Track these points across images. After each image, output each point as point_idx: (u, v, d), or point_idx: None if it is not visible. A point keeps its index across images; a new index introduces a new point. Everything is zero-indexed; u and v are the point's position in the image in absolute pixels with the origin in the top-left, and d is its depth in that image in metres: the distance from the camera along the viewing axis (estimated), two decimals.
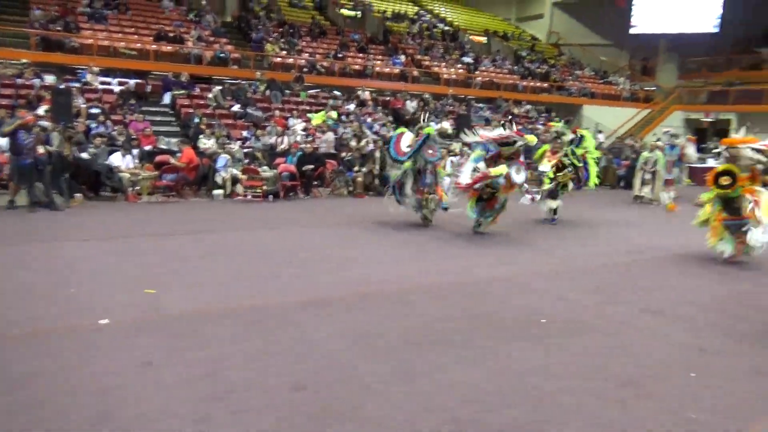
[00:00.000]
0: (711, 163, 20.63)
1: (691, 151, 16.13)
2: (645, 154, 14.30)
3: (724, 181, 7.19)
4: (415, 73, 21.49)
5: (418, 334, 4.56)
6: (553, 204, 10.47)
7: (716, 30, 25.24)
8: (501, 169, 8.29)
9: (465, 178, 8.37)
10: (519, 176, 8.42)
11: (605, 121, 23.52)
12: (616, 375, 3.94)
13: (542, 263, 7.26)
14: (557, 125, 11.62)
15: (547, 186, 10.40)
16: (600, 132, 21.65)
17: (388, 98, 19.47)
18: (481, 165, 8.48)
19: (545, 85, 24.23)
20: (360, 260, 6.98)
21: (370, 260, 7.00)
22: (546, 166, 10.31)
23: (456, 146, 15.22)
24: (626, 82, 27.10)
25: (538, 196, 9.75)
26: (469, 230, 9.17)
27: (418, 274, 6.44)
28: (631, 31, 27.10)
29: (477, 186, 8.39)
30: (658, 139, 17.41)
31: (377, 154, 13.66)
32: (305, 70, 18.94)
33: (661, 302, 5.71)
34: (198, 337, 4.31)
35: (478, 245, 8.14)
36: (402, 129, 10.19)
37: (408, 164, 9.15)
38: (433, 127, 9.49)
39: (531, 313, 5.18)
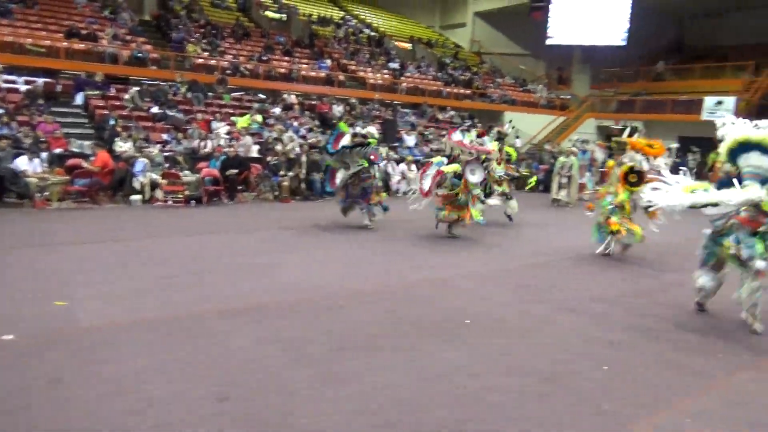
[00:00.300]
0: None
1: (600, 156, 17.17)
2: (561, 159, 15.00)
3: (632, 178, 7.77)
4: (341, 77, 21.51)
5: (346, 339, 4.57)
6: (513, 204, 10.99)
7: (624, 43, 26.89)
8: (454, 167, 8.65)
9: (426, 184, 8.63)
10: (474, 176, 8.66)
11: (525, 127, 24.48)
12: (535, 371, 4.11)
13: (467, 265, 7.46)
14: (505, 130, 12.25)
15: (502, 189, 10.82)
16: (517, 137, 22.59)
17: (314, 102, 19.36)
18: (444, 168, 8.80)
19: (468, 91, 24.93)
20: (287, 266, 6.90)
21: (297, 266, 6.93)
22: (501, 170, 10.61)
23: (383, 151, 15.36)
24: (543, 91, 28.37)
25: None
26: (396, 234, 9.28)
27: (347, 279, 6.44)
28: (548, 42, 28.36)
29: (438, 190, 8.75)
30: (573, 145, 18.42)
31: (304, 158, 13.56)
32: (228, 72, 18.51)
33: (576, 300, 6.02)
34: (113, 351, 4.12)
35: (405, 249, 8.25)
36: (345, 128, 10.28)
37: (330, 161, 9.54)
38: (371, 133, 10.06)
39: (456, 315, 5.31)
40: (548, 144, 22.78)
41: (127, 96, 15.15)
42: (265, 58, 20.07)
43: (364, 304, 5.54)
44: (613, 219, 8.02)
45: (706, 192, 4.99)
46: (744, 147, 5.23)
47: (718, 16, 29.37)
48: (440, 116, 22.41)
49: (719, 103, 22.56)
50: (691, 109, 23.64)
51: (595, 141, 18.58)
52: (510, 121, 17.66)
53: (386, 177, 14.84)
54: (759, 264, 4.98)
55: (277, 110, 17.36)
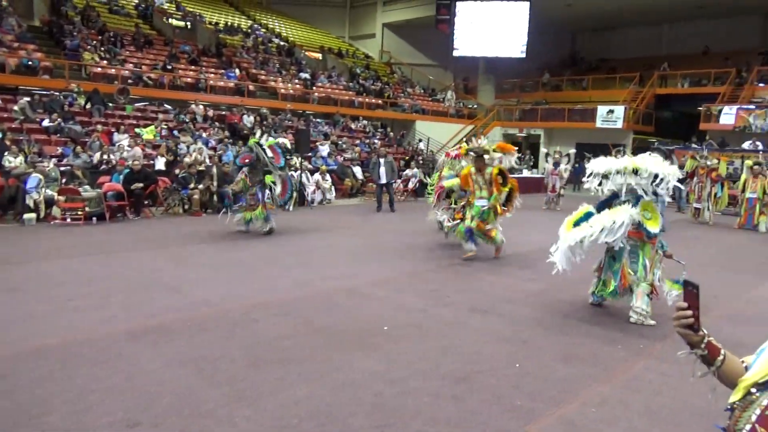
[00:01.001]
0: (525, 173, 23.18)
1: (512, 163, 17.96)
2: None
3: (499, 179, 8.37)
4: (251, 87, 21.14)
5: (261, 353, 4.46)
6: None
7: (523, 56, 28.38)
8: (453, 181, 9.19)
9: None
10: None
11: (436, 135, 25.18)
12: (451, 373, 4.21)
13: (380, 272, 7.52)
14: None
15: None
16: (420, 141, 23.31)
17: (224, 113, 18.89)
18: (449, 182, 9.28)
19: (380, 101, 25.29)
20: (198, 282, 6.65)
21: (208, 281, 6.70)
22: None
23: (296, 161, 15.23)
24: (452, 100, 29.31)
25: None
26: (309, 244, 9.22)
27: (261, 292, 6.30)
28: (454, 53, 29.39)
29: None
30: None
31: (214, 170, 13.17)
32: (130, 81, 17.67)
33: (486, 301, 6.23)
34: (6, 383, 3.78)
35: (318, 259, 8.20)
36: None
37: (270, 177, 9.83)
38: (274, 140, 10.15)
39: (373, 322, 5.33)
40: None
41: (16, 107, 14.07)
42: (169, 67, 19.34)
43: (279, 316, 5.45)
44: (489, 226, 8.42)
45: (587, 223, 5.57)
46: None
47: (607, 31, 31.71)
48: (353, 126, 22.57)
49: (611, 111, 24.32)
50: (586, 118, 25.32)
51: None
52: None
53: (301, 187, 14.71)
54: (643, 287, 5.64)
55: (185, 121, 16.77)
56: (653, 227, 5.61)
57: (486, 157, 8.46)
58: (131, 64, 18.66)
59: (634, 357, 4.75)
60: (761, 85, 23.10)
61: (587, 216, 5.79)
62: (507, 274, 7.71)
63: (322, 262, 7.95)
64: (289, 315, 5.50)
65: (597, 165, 5.87)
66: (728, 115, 21.32)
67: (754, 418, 1.40)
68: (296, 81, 23.31)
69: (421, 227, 11.62)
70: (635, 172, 5.56)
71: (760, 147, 18.27)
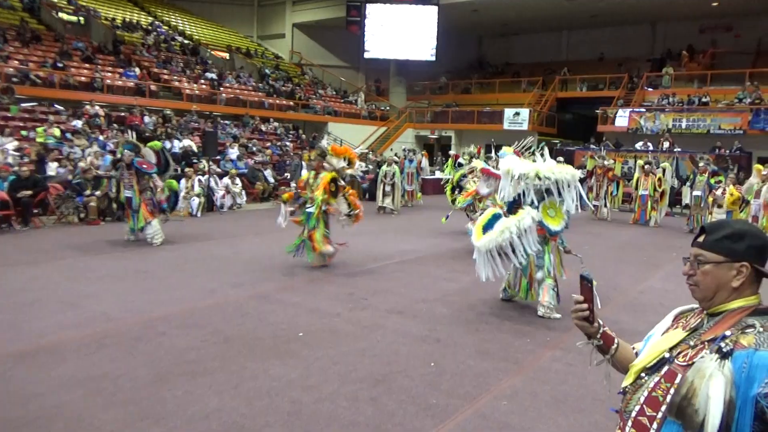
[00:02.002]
0: (438, 174, 23.76)
1: (426, 165, 18.40)
2: (384, 168, 15.71)
3: (332, 187, 7.94)
4: (153, 87, 20.22)
5: (168, 367, 4.26)
6: None
7: (433, 59, 29.09)
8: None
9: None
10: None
11: (348, 137, 25.20)
12: (368, 376, 4.22)
13: (293, 277, 7.43)
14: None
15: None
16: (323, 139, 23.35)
17: (123, 114, 17.92)
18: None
19: (291, 102, 25.00)
20: (96, 295, 6.25)
21: (108, 294, 6.31)
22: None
23: (204, 164, 14.73)
24: (363, 102, 29.52)
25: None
26: (216, 251, 8.95)
27: (166, 303, 6.03)
28: (365, 55, 29.61)
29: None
30: (396, 154, 19.41)
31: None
32: (15, 80, 16.35)
33: (402, 302, 6.32)
34: None
35: (228, 265, 7.97)
36: (157, 145, 9.64)
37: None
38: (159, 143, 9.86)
39: (287, 329, 5.25)
40: (371, 153, 23.72)
41: None
42: (60, 64, 18.10)
43: (187, 327, 5.23)
44: (316, 236, 7.82)
45: (497, 228, 5.75)
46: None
47: (511, 36, 33.17)
48: (263, 128, 22.15)
49: (516, 114, 25.48)
50: (494, 120, 26.36)
51: (420, 150, 19.76)
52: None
53: (209, 192, 14.25)
54: (538, 275, 6.03)
55: (78, 123, 15.75)
56: (554, 225, 5.93)
57: (333, 159, 7.94)
58: (16, 61, 17.28)
59: (541, 349, 4.99)
60: (650, 89, 25.04)
61: (495, 218, 6.00)
62: (424, 275, 7.86)
63: (232, 270, 7.73)
64: (197, 325, 5.30)
65: (506, 166, 6.07)
66: (622, 118, 22.96)
67: (642, 399, 1.52)
68: (202, 81, 22.56)
69: (338, 231, 11.59)
70: (538, 177, 5.84)
71: (651, 147, 19.81)
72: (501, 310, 6.17)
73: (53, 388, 3.87)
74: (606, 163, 15.63)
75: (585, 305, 1.69)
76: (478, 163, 10.19)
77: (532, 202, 5.92)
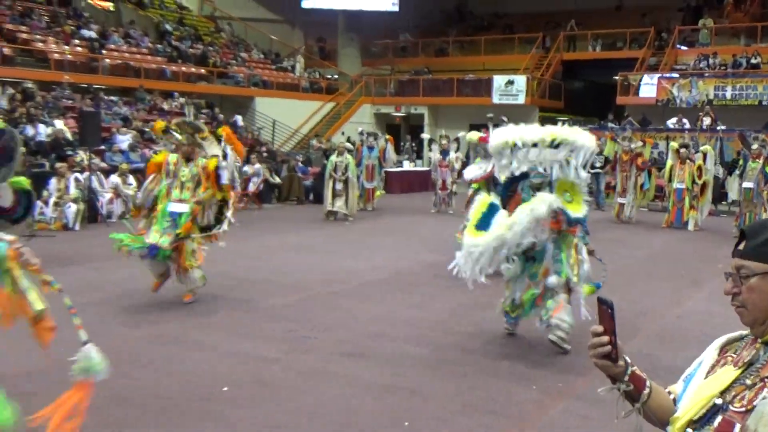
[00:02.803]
0: (407, 166, 23.91)
1: (392, 154, 18.41)
2: (332, 158, 15.63)
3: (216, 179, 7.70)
4: (7, 51, 19.76)
5: None
6: None
7: (395, 8, 29.25)
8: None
9: None
10: None
11: (284, 117, 25.14)
12: None
13: (209, 310, 7.34)
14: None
15: None
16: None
17: None
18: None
19: (203, 70, 24.77)
20: None
21: None
22: None
23: (82, 156, 14.46)
24: (302, 69, 29.42)
25: None
26: (99, 277, 8.80)
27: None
28: (304, 4, 29.63)
29: None
30: (349, 139, 19.33)
31: None
32: None
33: (359, 341, 6.34)
34: None
35: (112, 297, 7.84)
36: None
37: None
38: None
39: (207, 382, 5.20)
40: (316, 139, 23.71)
41: None
42: None
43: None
44: (188, 248, 7.49)
45: (499, 225, 5.79)
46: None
47: None
48: (165, 106, 21.89)
49: (510, 83, 25.81)
50: (480, 91, 26.58)
51: (384, 134, 19.64)
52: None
53: (91, 196, 13.97)
54: (550, 280, 5.93)
55: None
56: (576, 211, 5.94)
57: (206, 142, 7.75)
58: None
59: (549, 398, 5.08)
60: (684, 48, 25.65)
61: (491, 210, 6.00)
62: (379, 302, 7.89)
63: (122, 302, 7.57)
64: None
65: (502, 136, 6.07)
66: (648, 86, 23.44)
67: None
68: (76, 42, 22.15)
69: (271, 245, 11.54)
70: (554, 144, 5.86)
71: (687, 125, 20.22)
72: (493, 347, 6.25)
73: None
74: (633, 146, 15.63)
75: (606, 338, 1.67)
76: (473, 135, 10.29)
77: (550, 184, 5.94)
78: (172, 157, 7.66)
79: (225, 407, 4.77)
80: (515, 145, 5.94)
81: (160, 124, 8.19)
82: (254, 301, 7.80)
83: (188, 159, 7.62)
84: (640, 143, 16.13)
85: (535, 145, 5.88)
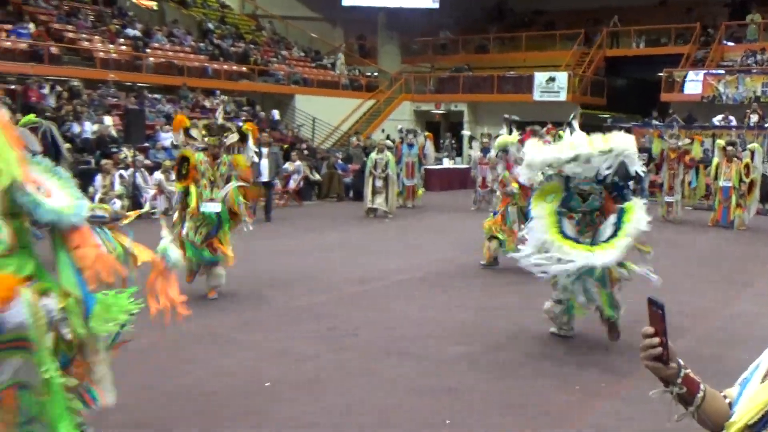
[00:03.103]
0: (446, 163, 23.85)
1: (432, 151, 18.38)
2: (372, 155, 15.67)
3: (184, 169, 7.67)
4: (54, 50, 20.16)
5: None
6: None
7: (436, 6, 29.17)
8: None
9: None
10: None
11: (324, 114, 25.23)
12: None
13: (252, 308, 7.41)
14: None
15: None
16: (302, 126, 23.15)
17: (13, 86, 17.85)
18: None
19: (244, 68, 24.98)
20: None
21: None
22: None
23: (126, 153, 14.70)
24: (343, 66, 29.46)
25: None
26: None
27: None
28: (344, 2, 29.68)
29: None
30: (389, 137, 19.32)
31: None
32: None
33: (400, 338, 6.33)
34: None
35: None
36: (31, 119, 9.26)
37: None
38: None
39: (249, 378, 5.24)
40: (356, 137, 23.75)
41: None
42: None
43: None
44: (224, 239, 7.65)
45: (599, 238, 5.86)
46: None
47: None
48: (207, 103, 22.13)
49: (551, 80, 25.56)
50: (521, 88, 26.41)
51: (424, 132, 19.49)
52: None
53: (135, 192, 14.20)
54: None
55: None
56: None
57: (233, 139, 7.82)
58: None
59: (593, 399, 5.01)
60: (730, 44, 25.18)
61: (560, 218, 5.94)
62: (420, 300, 7.88)
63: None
64: (127, 376, 5.28)
65: (538, 156, 6.02)
66: (694, 83, 23.09)
67: None
68: (121, 41, 22.52)
69: (311, 242, 11.60)
70: (589, 160, 5.77)
71: (733, 122, 19.87)
72: (535, 347, 6.19)
73: None
74: (680, 144, 15.44)
75: (657, 339, 1.66)
76: (508, 139, 10.10)
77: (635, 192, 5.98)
78: (200, 156, 7.60)
79: (266, 404, 4.81)
80: (551, 165, 5.93)
81: (182, 120, 8.05)
82: (295, 299, 7.85)
83: (215, 158, 7.66)
84: (687, 140, 15.91)
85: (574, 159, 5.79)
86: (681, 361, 1.70)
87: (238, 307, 7.45)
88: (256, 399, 4.88)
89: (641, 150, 17.66)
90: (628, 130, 19.95)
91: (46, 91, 17.60)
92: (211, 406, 4.74)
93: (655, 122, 20.46)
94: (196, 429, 4.37)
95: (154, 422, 4.46)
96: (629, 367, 5.57)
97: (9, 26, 20.01)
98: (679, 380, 1.68)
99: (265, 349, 5.99)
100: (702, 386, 1.71)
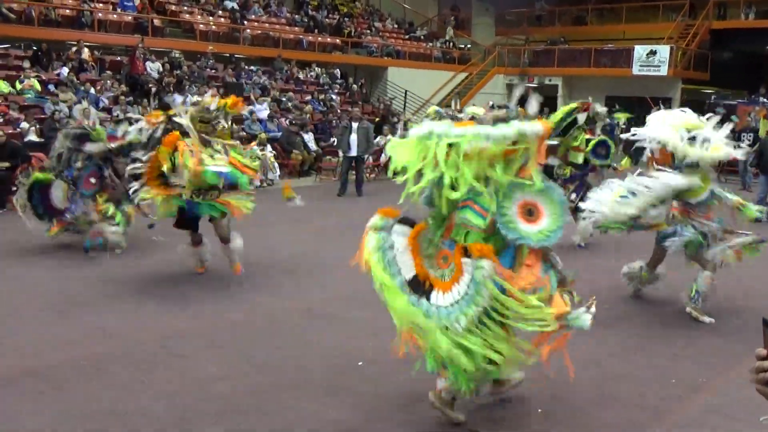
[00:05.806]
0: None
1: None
2: None
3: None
4: (157, 22, 20.79)
5: (192, 402, 4.46)
6: None
7: None
8: None
9: None
10: None
11: (415, 87, 25.17)
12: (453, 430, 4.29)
13: (352, 284, 7.53)
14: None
15: None
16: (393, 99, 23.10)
17: (119, 58, 18.54)
18: None
19: (338, 40, 25.13)
20: (90, 304, 6.58)
21: (105, 303, 6.64)
22: None
23: (224, 125, 15.04)
24: (452, 35, 29.08)
25: None
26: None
27: (182, 315, 6.27)
28: None
29: None
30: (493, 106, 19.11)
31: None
32: None
33: None
34: None
35: (250, 268, 8.16)
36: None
37: None
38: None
39: (343, 356, 5.35)
40: (448, 109, 23.61)
41: None
42: None
43: (211, 349, 5.43)
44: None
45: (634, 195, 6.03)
46: None
47: None
48: (301, 75, 22.42)
49: (652, 53, 24.67)
50: (619, 62, 25.65)
51: (517, 107, 19.15)
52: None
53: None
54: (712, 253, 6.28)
55: (64, 71, 16.44)
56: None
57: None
58: None
59: (691, 393, 4.92)
60: None
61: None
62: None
63: (262, 272, 7.87)
64: (224, 347, 5.50)
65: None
66: None
67: None
68: (220, 13, 23.00)
69: None
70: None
71: None
72: (630, 338, 6.09)
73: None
74: None
75: None
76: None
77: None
78: (189, 140, 7.21)
79: (357, 382, 4.91)
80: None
81: (157, 114, 7.84)
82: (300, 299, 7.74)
83: (205, 144, 7.42)
84: None
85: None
86: None
87: (332, 282, 7.52)
88: (347, 377, 5.00)
89: (746, 129, 17.07)
90: (733, 108, 19.23)
91: (149, 63, 18.23)
92: (306, 382, 4.88)
93: (762, 99, 19.55)
94: (294, 401, 4.51)
95: (248, 392, 4.62)
96: (727, 362, 5.43)
97: (115, 0, 20.74)
98: None
99: (361, 327, 6.08)
100: None
